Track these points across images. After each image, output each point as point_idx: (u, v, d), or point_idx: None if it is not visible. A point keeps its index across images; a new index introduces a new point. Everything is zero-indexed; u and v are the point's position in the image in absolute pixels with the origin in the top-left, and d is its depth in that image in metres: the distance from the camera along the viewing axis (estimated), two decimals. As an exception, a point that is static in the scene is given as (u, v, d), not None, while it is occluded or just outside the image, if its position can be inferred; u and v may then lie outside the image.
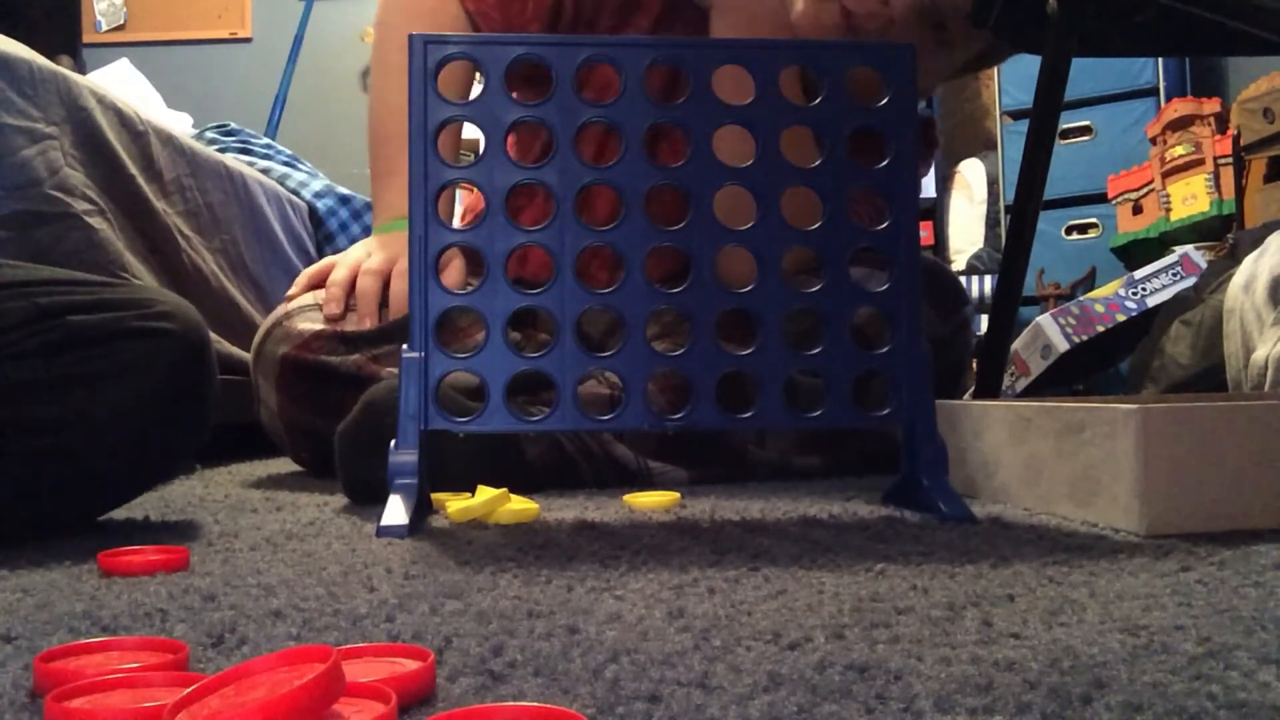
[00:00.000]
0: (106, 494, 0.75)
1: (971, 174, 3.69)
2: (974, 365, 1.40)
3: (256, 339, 1.16)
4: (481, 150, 0.79)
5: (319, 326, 1.11)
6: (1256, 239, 1.44)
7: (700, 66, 0.80)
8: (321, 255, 2.07)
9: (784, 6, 1.13)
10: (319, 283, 1.17)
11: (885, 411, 0.81)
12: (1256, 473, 0.71)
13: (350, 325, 1.11)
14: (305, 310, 1.14)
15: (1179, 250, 2.37)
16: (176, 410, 0.75)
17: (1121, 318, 2.22)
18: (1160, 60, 3.06)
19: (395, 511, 0.74)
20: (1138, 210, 2.91)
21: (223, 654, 0.44)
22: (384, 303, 1.13)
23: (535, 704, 0.35)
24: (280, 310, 1.16)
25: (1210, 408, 0.72)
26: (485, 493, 0.82)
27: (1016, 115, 3.34)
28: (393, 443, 0.77)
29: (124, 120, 1.43)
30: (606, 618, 0.48)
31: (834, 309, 0.81)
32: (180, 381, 0.75)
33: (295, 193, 2.11)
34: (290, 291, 1.18)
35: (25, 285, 0.71)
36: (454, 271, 1.11)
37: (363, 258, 1.16)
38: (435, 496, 0.86)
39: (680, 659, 0.41)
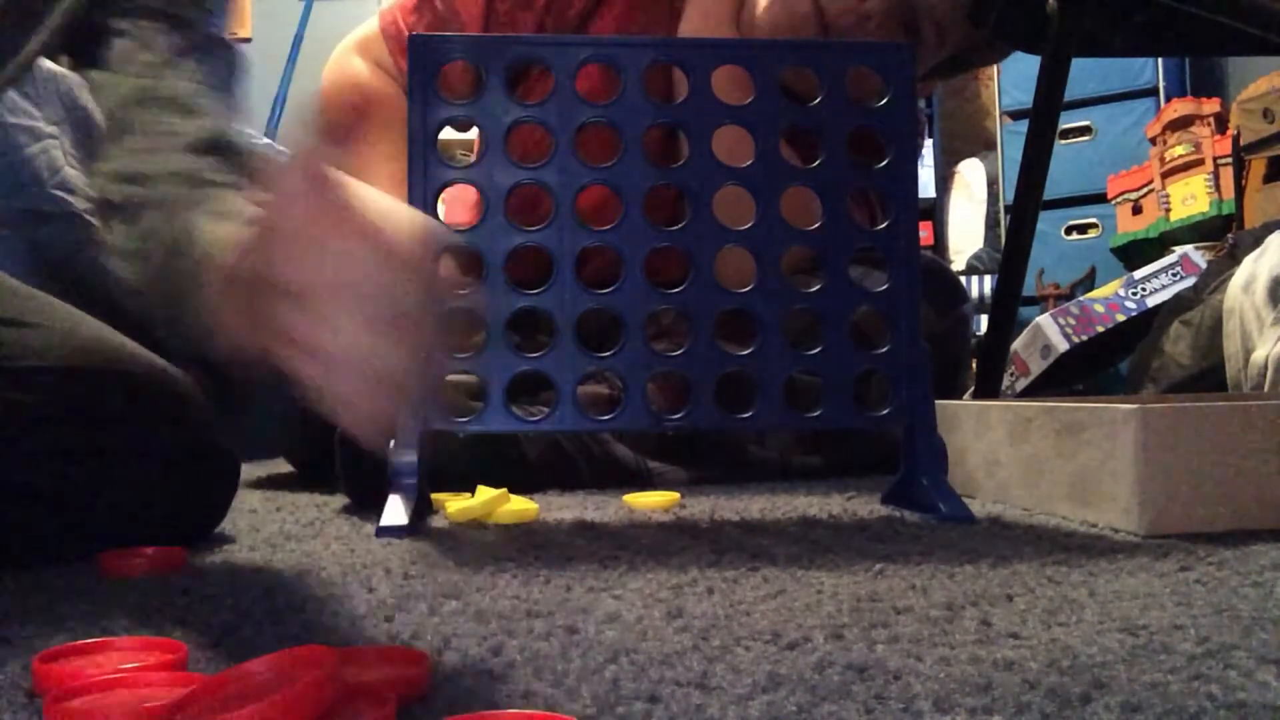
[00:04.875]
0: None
1: (971, 174, 3.69)
2: (974, 364, 1.40)
3: None
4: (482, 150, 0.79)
5: None
6: (1256, 239, 1.44)
7: (700, 66, 0.80)
8: (321, 255, 2.07)
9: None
10: None
11: (885, 411, 0.81)
12: (1256, 473, 0.71)
13: None
14: None
15: (1179, 250, 2.37)
16: (189, 491, 0.72)
17: (1121, 318, 2.22)
18: (1160, 60, 3.05)
19: (395, 511, 0.74)
20: (1137, 210, 2.90)
21: (222, 654, 0.43)
22: None
23: (530, 711, 0.35)
24: None
25: (1210, 408, 0.72)
26: (485, 493, 0.82)
27: (1016, 115, 3.34)
28: (392, 443, 0.77)
29: (124, 120, 1.42)
30: (605, 618, 0.48)
31: (833, 309, 0.81)
32: (190, 465, 0.72)
33: (295, 193, 2.11)
34: None
35: (47, 351, 0.67)
36: (445, 266, 1.11)
37: None
38: (435, 496, 0.86)
39: (679, 659, 0.41)
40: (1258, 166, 2.55)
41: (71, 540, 0.66)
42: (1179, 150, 2.73)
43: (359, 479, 0.92)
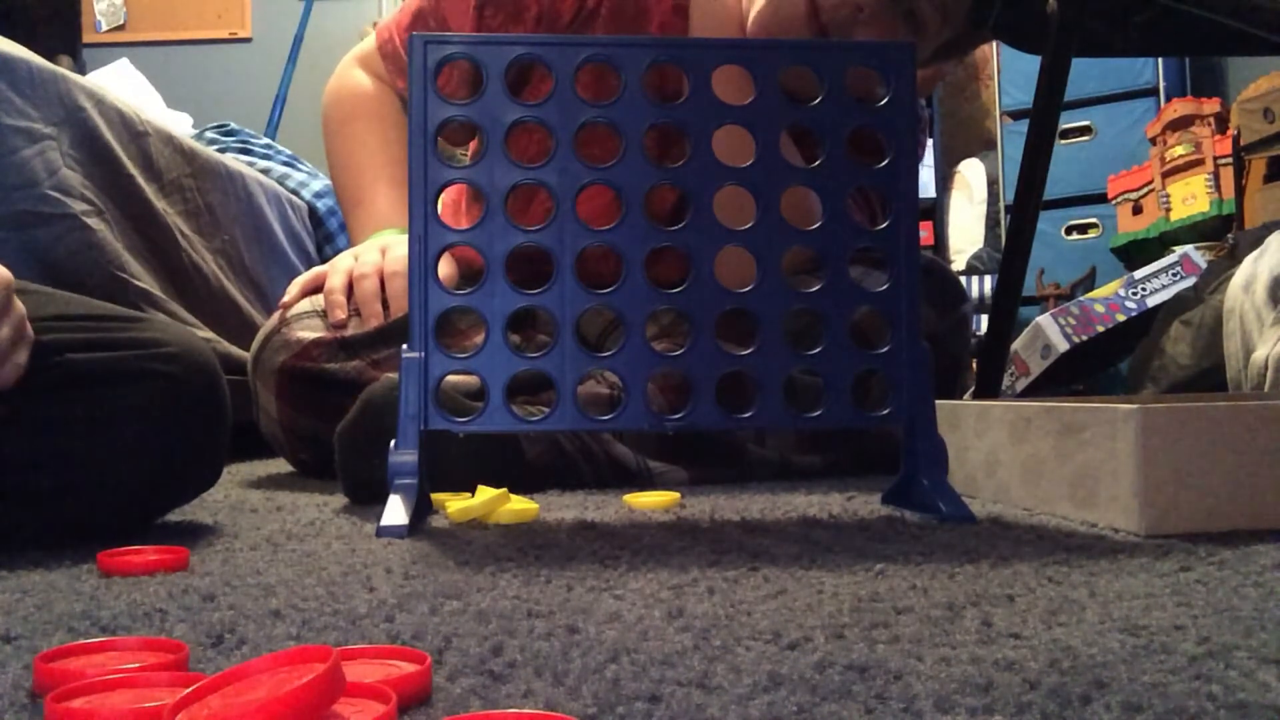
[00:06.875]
0: (109, 531, 0.74)
1: (971, 174, 3.69)
2: (974, 364, 1.40)
3: (254, 347, 1.16)
4: (482, 150, 0.79)
5: (317, 334, 1.11)
6: (1256, 239, 1.44)
7: (700, 66, 0.80)
8: (322, 255, 2.07)
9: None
10: (312, 290, 1.17)
11: (885, 411, 0.81)
12: (1256, 473, 0.71)
13: (352, 328, 1.12)
14: (302, 318, 1.14)
15: (1179, 250, 2.37)
16: (182, 454, 0.73)
17: (1121, 318, 2.23)
18: (1160, 60, 3.06)
19: (395, 511, 0.74)
20: (1138, 210, 2.91)
21: (223, 654, 0.43)
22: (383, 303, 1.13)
23: (531, 711, 0.35)
24: (276, 318, 1.16)
25: (1210, 408, 0.72)
26: (485, 493, 0.82)
27: (1016, 115, 3.34)
28: (392, 443, 0.77)
29: (124, 120, 1.42)
30: (606, 618, 0.48)
31: (833, 309, 0.81)
32: (185, 427, 0.73)
33: (295, 193, 2.11)
34: (285, 299, 1.18)
35: (34, 320, 0.68)
36: (445, 266, 1.11)
37: (352, 264, 1.16)
38: (435, 496, 0.86)
39: (680, 659, 0.41)
40: (1258, 166, 2.55)
41: (61, 505, 0.67)
42: (1179, 150, 2.73)
43: (359, 479, 0.92)
